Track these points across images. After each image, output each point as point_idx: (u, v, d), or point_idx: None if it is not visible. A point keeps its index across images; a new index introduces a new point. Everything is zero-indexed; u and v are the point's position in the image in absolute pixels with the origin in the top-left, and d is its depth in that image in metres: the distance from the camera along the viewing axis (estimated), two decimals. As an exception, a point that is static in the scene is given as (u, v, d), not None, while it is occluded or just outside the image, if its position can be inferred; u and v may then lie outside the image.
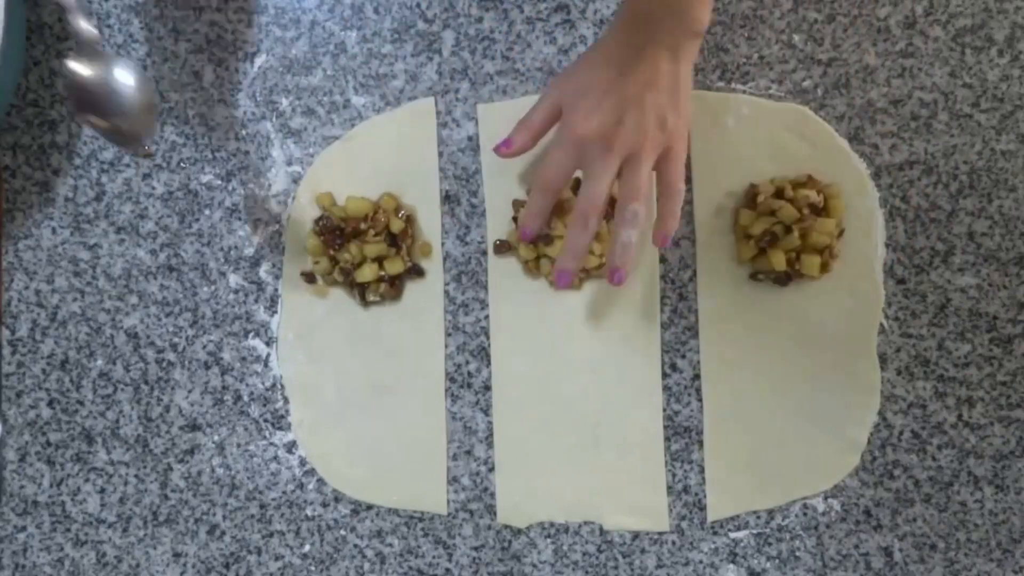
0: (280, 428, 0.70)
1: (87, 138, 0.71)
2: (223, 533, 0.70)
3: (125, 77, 0.57)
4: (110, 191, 0.71)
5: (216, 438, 0.70)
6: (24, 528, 0.71)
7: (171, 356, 0.71)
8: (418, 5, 0.70)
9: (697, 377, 0.69)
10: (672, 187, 0.62)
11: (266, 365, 0.71)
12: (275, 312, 0.71)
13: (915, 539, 0.68)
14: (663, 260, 0.69)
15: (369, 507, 0.70)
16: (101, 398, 0.71)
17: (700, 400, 0.69)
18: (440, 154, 0.70)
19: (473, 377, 0.70)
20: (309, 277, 0.70)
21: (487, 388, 0.70)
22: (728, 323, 0.69)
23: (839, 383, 0.68)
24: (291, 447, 0.70)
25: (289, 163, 0.71)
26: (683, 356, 0.69)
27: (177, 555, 0.70)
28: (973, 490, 0.68)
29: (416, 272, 0.70)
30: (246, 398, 0.70)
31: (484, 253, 0.70)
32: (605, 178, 0.61)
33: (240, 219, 0.71)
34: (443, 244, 0.70)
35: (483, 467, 0.70)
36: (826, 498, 0.68)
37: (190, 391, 0.70)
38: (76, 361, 0.71)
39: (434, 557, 0.69)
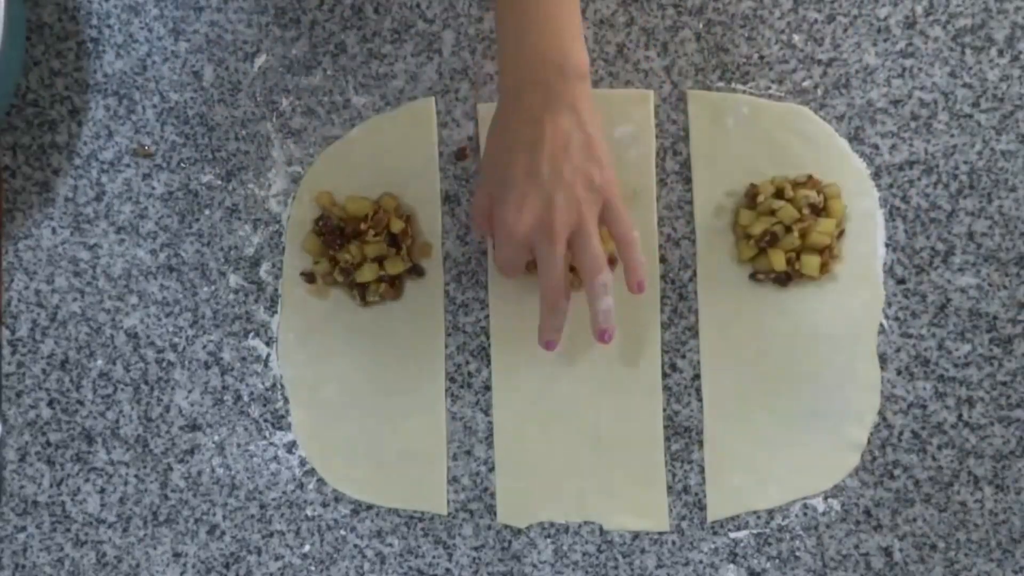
0: (280, 428, 0.70)
1: (87, 138, 0.71)
2: (223, 533, 0.70)
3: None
4: (110, 191, 0.71)
5: (216, 438, 0.70)
6: (24, 528, 0.71)
7: (171, 356, 0.71)
8: (418, 5, 0.70)
9: (697, 377, 0.69)
10: (626, 238, 0.62)
11: (266, 365, 0.71)
12: (275, 312, 0.71)
13: (915, 539, 0.68)
14: (663, 260, 0.69)
15: (369, 507, 0.70)
16: (101, 398, 0.71)
17: (700, 400, 0.69)
18: (440, 154, 0.70)
19: (473, 377, 0.70)
20: (309, 277, 0.70)
21: (487, 388, 0.70)
22: (728, 323, 0.69)
23: (839, 383, 0.68)
24: (291, 447, 0.70)
25: (289, 163, 0.71)
26: (683, 356, 0.69)
27: (177, 555, 0.70)
28: (973, 490, 0.68)
29: (416, 272, 0.70)
30: (246, 398, 0.70)
31: (484, 253, 0.70)
32: (558, 263, 0.60)
33: (240, 219, 0.71)
34: (443, 244, 0.70)
35: (483, 467, 0.70)
36: (826, 498, 0.68)
37: (190, 391, 0.70)
38: (76, 361, 0.71)
39: (434, 557, 0.69)
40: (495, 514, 0.69)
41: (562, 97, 0.59)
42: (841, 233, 0.68)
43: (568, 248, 0.61)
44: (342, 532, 0.70)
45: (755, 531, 0.68)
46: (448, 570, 0.69)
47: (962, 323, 0.68)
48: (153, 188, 0.71)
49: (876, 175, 0.69)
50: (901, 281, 0.68)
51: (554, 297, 0.62)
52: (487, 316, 0.70)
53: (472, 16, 0.70)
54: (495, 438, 0.69)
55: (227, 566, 0.70)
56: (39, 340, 0.71)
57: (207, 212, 0.71)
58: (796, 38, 0.69)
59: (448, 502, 0.69)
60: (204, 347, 0.70)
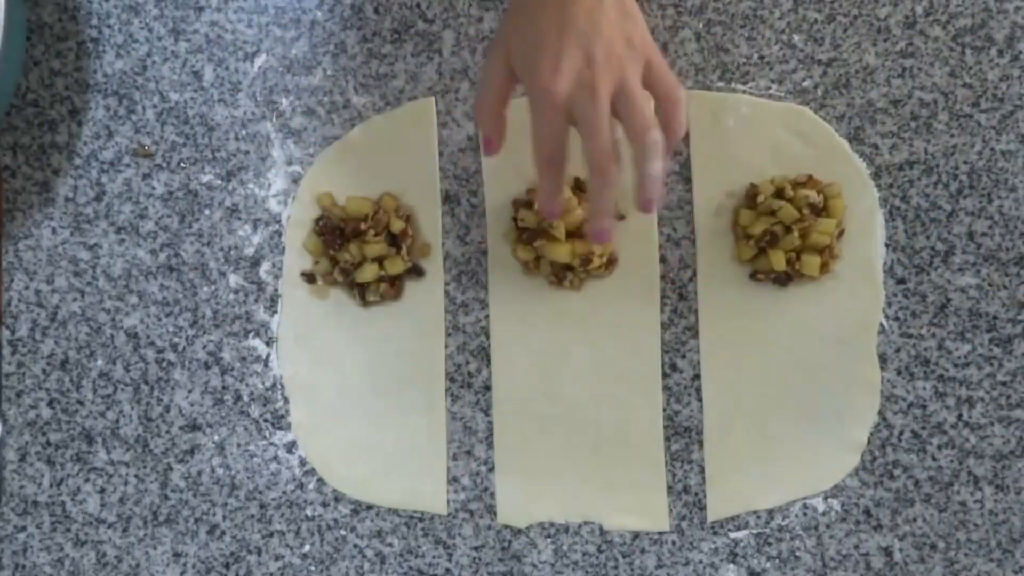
0: (280, 428, 0.70)
1: (87, 138, 0.71)
2: (223, 533, 0.70)
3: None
4: (110, 191, 0.71)
5: (216, 438, 0.70)
6: (24, 528, 0.71)
7: (171, 356, 0.71)
8: (418, 5, 0.70)
9: (697, 377, 0.69)
10: (672, 95, 0.56)
11: (266, 365, 0.71)
12: (275, 312, 0.71)
13: (915, 539, 0.68)
14: (663, 260, 0.69)
15: (369, 507, 0.70)
16: (101, 398, 0.71)
17: (700, 400, 0.69)
18: (440, 154, 0.70)
19: (473, 377, 0.70)
20: (309, 277, 0.70)
21: (487, 388, 0.70)
22: (728, 323, 0.69)
23: (839, 383, 0.68)
24: (291, 447, 0.70)
25: (289, 163, 0.71)
26: (683, 356, 0.69)
27: (177, 555, 0.70)
28: (973, 490, 0.68)
29: (416, 272, 0.70)
30: (246, 398, 0.70)
31: (484, 253, 0.70)
32: (604, 124, 0.55)
33: (240, 219, 0.71)
34: (443, 244, 0.70)
35: (483, 467, 0.70)
36: (826, 498, 0.68)
37: (190, 391, 0.70)
38: (76, 361, 0.71)
39: (434, 557, 0.69)
40: (495, 514, 0.69)
41: None
42: (841, 233, 0.68)
43: (612, 110, 0.55)
44: (342, 532, 0.70)
45: (755, 531, 0.68)
46: (448, 570, 0.69)
47: (962, 323, 0.68)
48: (153, 188, 0.71)
49: (876, 175, 0.69)
50: (901, 281, 0.68)
51: (603, 161, 0.55)
52: (487, 316, 0.70)
53: (472, 16, 0.70)
54: (495, 438, 0.69)
55: (227, 566, 0.70)
56: (39, 340, 0.71)
57: (207, 212, 0.71)
58: (796, 38, 0.69)
59: (448, 502, 0.69)
60: (204, 347, 0.70)
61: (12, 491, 0.71)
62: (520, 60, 0.56)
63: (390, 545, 0.70)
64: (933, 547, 0.68)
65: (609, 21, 0.54)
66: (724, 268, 0.69)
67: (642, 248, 0.69)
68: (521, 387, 0.69)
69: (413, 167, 0.70)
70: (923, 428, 0.68)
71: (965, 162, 0.68)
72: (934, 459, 0.68)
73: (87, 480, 0.71)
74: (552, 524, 0.69)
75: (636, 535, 0.69)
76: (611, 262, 0.68)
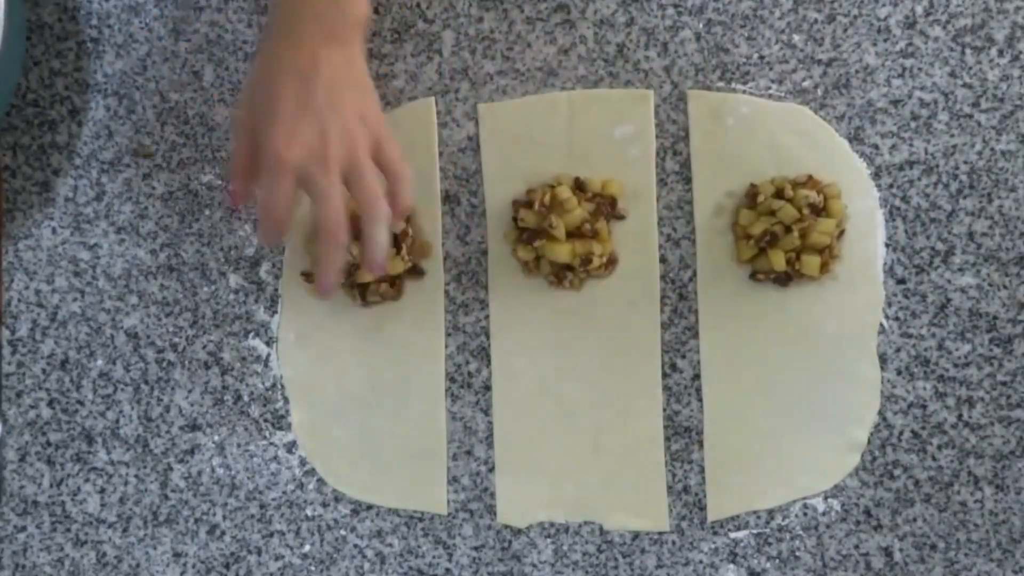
0: (280, 428, 0.70)
1: (87, 138, 0.71)
2: (223, 533, 0.70)
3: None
4: (110, 191, 0.71)
5: (216, 438, 0.70)
6: (24, 528, 0.71)
7: (171, 356, 0.71)
8: (418, 5, 0.70)
9: (697, 377, 0.69)
10: (397, 173, 0.61)
11: (266, 365, 0.71)
12: (275, 312, 0.71)
13: (915, 539, 0.68)
14: (663, 260, 0.69)
15: (369, 507, 0.70)
16: (101, 398, 0.71)
17: (700, 400, 0.69)
18: (440, 154, 0.70)
19: (473, 377, 0.70)
20: (309, 277, 0.70)
21: (487, 388, 0.70)
22: (728, 323, 0.69)
23: (839, 383, 0.68)
24: (291, 447, 0.70)
25: (289, 163, 0.70)
26: (683, 356, 0.69)
27: (177, 555, 0.70)
28: (973, 490, 0.68)
29: (416, 272, 0.70)
30: (246, 398, 0.70)
31: (484, 253, 0.70)
32: (334, 192, 0.58)
33: (240, 219, 0.71)
34: (443, 244, 0.70)
35: (483, 467, 0.70)
36: (826, 498, 0.68)
37: (190, 391, 0.70)
38: (76, 361, 0.71)
39: (434, 557, 0.69)
40: (495, 514, 0.69)
41: (337, 34, 0.60)
42: (841, 233, 0.68)
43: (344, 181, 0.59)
44: (342, 532, 0.70)
45: (755, 531, 0.68)
46: (448, 570, 0.69)
47: (962, 323, 0.68)
48: (153, 188, 0.71)
49: (876, 175, 0.69)
50: (901, 281, 0.68)
51: (333, 225, 0.58)
52: (487, 316, 0.70)
53: (472, 16, 0.70)
54: (495, 438, 0.69)
55: (227, 566, 0.70)
56: (39, 340, 0.71)
57: (207, 212, 0.71)
58: (796, 38, 0.69)
59: (448, 502, 0.69)
60: (204, 347, 0.70)
61: (12, 491, 0.71)
62: (258, 122, 0.60)
63: (390, 545, 0.70)
64: (933, 547, 0.68)
65: (345, 100, 0.59)
66: (724, 268, 0.69)
67: (642, 248, 0.69)
68: (521, 387, 0.69)
69: (413, 167, 0.70)
70: (923, 428, 0.68)
71: (965, 162, 0.68)
72: (934, 459, 0.68)
73: (87, 480, 0.71)
74: (552, 524, 0.69)
75: (636, 535, 0.69)
76: (611, 262, 0.68)
